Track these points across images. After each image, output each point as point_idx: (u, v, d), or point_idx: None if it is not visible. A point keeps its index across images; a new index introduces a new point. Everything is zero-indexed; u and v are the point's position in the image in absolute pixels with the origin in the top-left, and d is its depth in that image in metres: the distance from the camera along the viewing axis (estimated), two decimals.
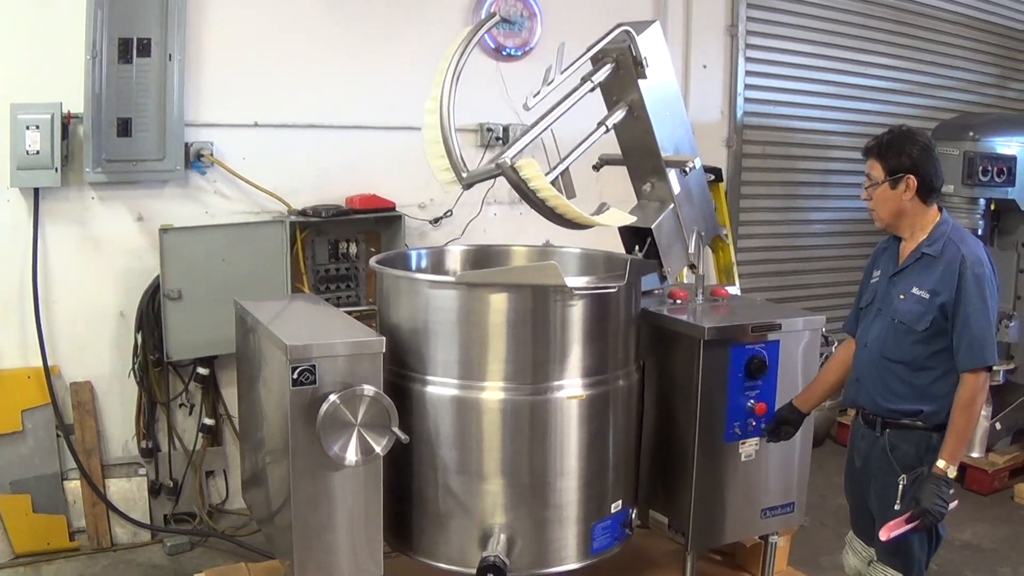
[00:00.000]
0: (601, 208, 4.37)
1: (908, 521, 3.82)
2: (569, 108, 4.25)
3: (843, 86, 9.03)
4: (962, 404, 3.86)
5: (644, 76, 4.37)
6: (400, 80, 6.64)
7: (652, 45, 4.45)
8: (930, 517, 3.80)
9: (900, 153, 4.01)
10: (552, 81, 4.12)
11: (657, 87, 4.52)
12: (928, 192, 4.04)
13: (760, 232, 8.80)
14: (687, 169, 4.59)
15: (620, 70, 4.42)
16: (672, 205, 4.67)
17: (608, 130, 4.51)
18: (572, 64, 4.22)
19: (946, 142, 7.34)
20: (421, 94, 6.79)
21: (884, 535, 3.84)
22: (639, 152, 4.69)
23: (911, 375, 4.00)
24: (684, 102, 7.17)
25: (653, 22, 4.52)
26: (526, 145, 4.09)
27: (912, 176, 3.98)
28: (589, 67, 4.43)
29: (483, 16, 6.69)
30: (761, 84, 8.50)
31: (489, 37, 7.00)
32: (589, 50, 4.30)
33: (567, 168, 4.41)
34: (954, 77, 9.87)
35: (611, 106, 4.57)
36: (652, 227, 4.65)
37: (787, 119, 8.77)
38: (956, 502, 3.91)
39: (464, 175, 4.07)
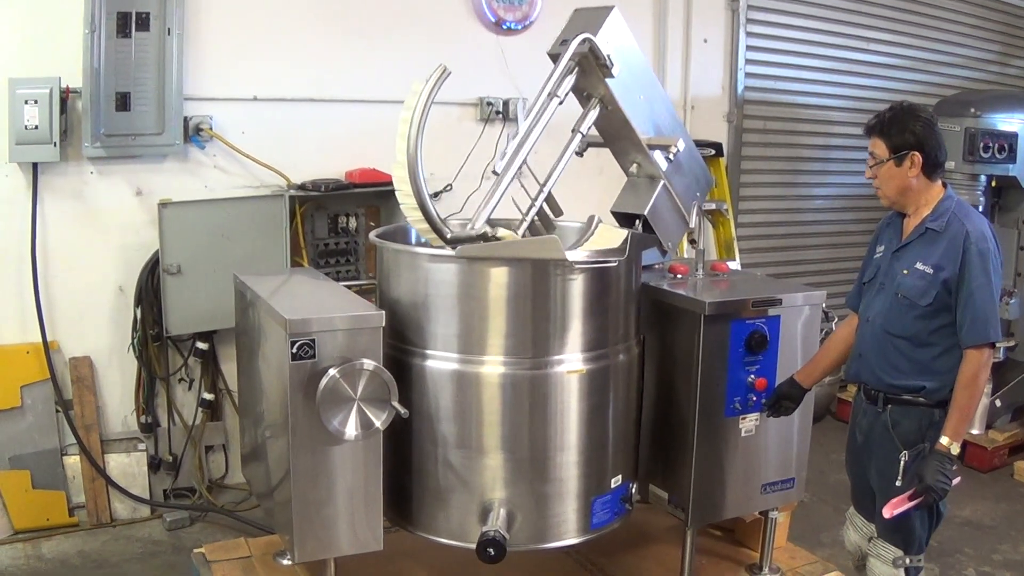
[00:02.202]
0: (591, 224, 4.33)
1: (911, 498, 3.82)
2: (540, 133, 4.15)
3: (844, 61, 9.00)
4: (965, 381, 3.86)
5: (611, 76, 4.24)
6: (400, 53, 6.63)
7: (614, 34, 4.26)
8: (933, 494, 3.80)
9: (904, 130, 3.99)
10: (517, 134, 4.08)
11: (626, 75, 4.35)
12: (933, 168, 4.02)
13: (761, 207, 8.78)
14: (671, 155, 4.51)
15: (585, 70, 4.27)
16: (662, 181, 4.61)
17: (584, 136, 4.41)
18: (539, 94, 4.13)
19: (947, 118, 7.32)
20: (422, 67, 6.78)
21: (887, 512, 3.84)
22: (620, 139, 4.61)
23: (913, 350, 4.00)
24: (685, 77, 7.14)
25: (611, 8, 4.28)
26: (499, 199, 4.10)
27: (917, 153, 3.97)
28: (558, 76, 4.22)
29: None
30: (762, 59, 8.48)
31: (489, 11, 6.98)
32: (554, 71, 4.10)
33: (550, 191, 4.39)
34: (956, 53, 9.83)
35: (583, 102, 4.43)
36: (646, 213, 4.60)
37: (788, 94, 8.74)
38: (959, 479, 3.91)
39: (448, 236, 4.02)
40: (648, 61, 4.51)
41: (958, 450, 3.86)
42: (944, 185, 4.10)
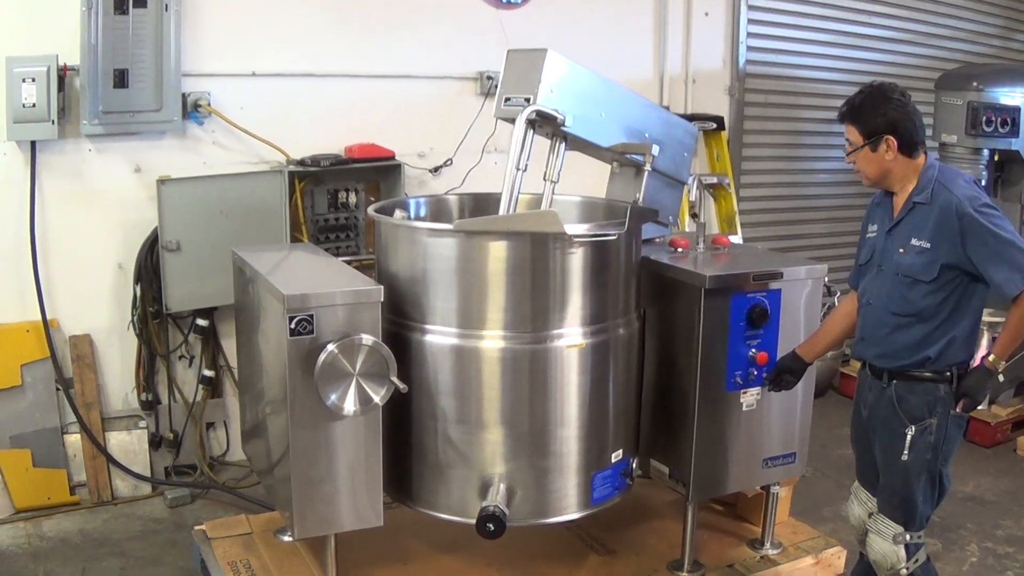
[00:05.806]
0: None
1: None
2: (516, 199, 4.06)
3: (846, 35, 8.94)
4: (1021, 312, 3.83)
5: (565, 125, 4.12)
6: (400, 27, 6.60)
7: (555, 79, 4.09)
8: (970, 401, 3.94)
9: (875, 114, 3.95)
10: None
11: (579, 108, 4.18)
12: (911, 147, 3.96)
13: (763, 181, 8.74)
14: (647, 166, 4.44)
15: (538, 122, 4.13)
16: (647, 172, 4.55)
17: (556, 181, 4.29)
18: (507, 166, 4.06)
19: (949, 92, 7.31)
20: (421, 42, 6.75)
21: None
22: (594, 152, 4.57)
23: (919, 325, 3.95)
24: (686, 50, 7.12)
25: (545, 52, 4.07)
26: None
27: (891, 136, 3.93)
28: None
29: None
30: (764, 32, 8.42)
31: None
32: (511, 148, 4.01)
33: None
34: (958, 27, 9.78)
35: (548, 137, 4.30)
36: (637, 199, 4.55)
37: (790, 68, 8.69)
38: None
39: None
40: (595, 73, 4.32)
41: (1003, 367, 3.90)
42: (926, 155, 4.06)
